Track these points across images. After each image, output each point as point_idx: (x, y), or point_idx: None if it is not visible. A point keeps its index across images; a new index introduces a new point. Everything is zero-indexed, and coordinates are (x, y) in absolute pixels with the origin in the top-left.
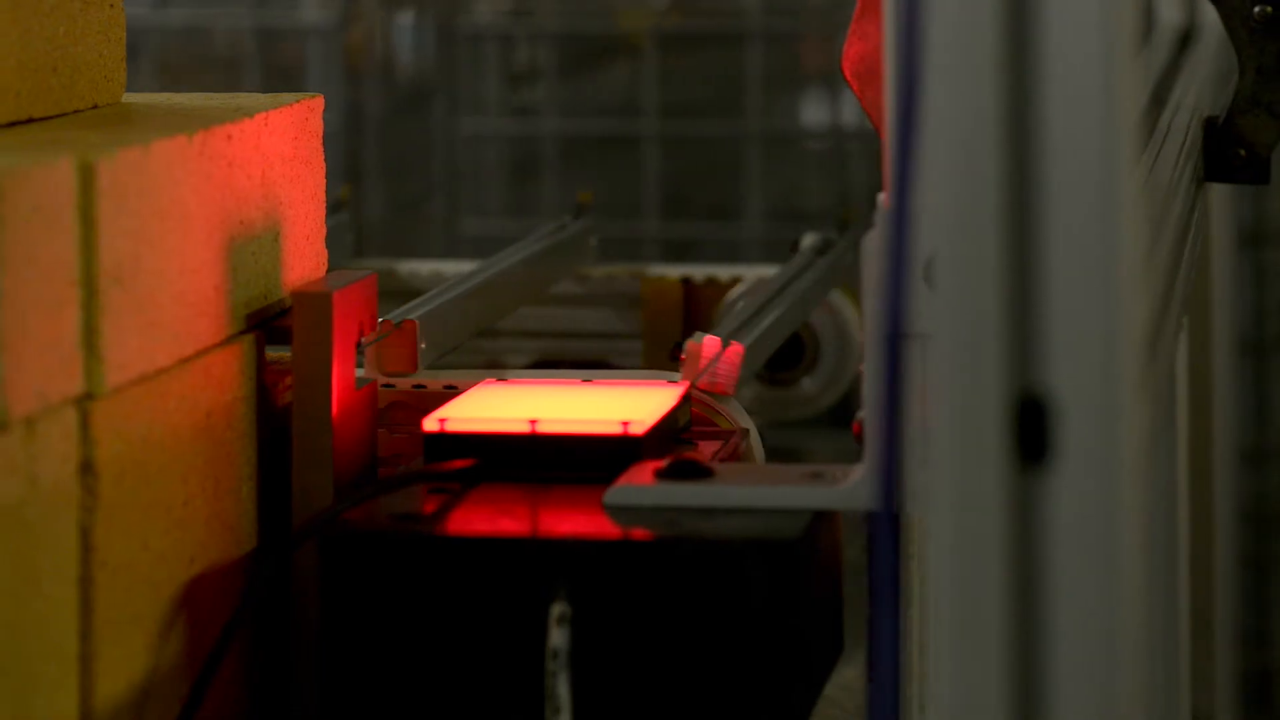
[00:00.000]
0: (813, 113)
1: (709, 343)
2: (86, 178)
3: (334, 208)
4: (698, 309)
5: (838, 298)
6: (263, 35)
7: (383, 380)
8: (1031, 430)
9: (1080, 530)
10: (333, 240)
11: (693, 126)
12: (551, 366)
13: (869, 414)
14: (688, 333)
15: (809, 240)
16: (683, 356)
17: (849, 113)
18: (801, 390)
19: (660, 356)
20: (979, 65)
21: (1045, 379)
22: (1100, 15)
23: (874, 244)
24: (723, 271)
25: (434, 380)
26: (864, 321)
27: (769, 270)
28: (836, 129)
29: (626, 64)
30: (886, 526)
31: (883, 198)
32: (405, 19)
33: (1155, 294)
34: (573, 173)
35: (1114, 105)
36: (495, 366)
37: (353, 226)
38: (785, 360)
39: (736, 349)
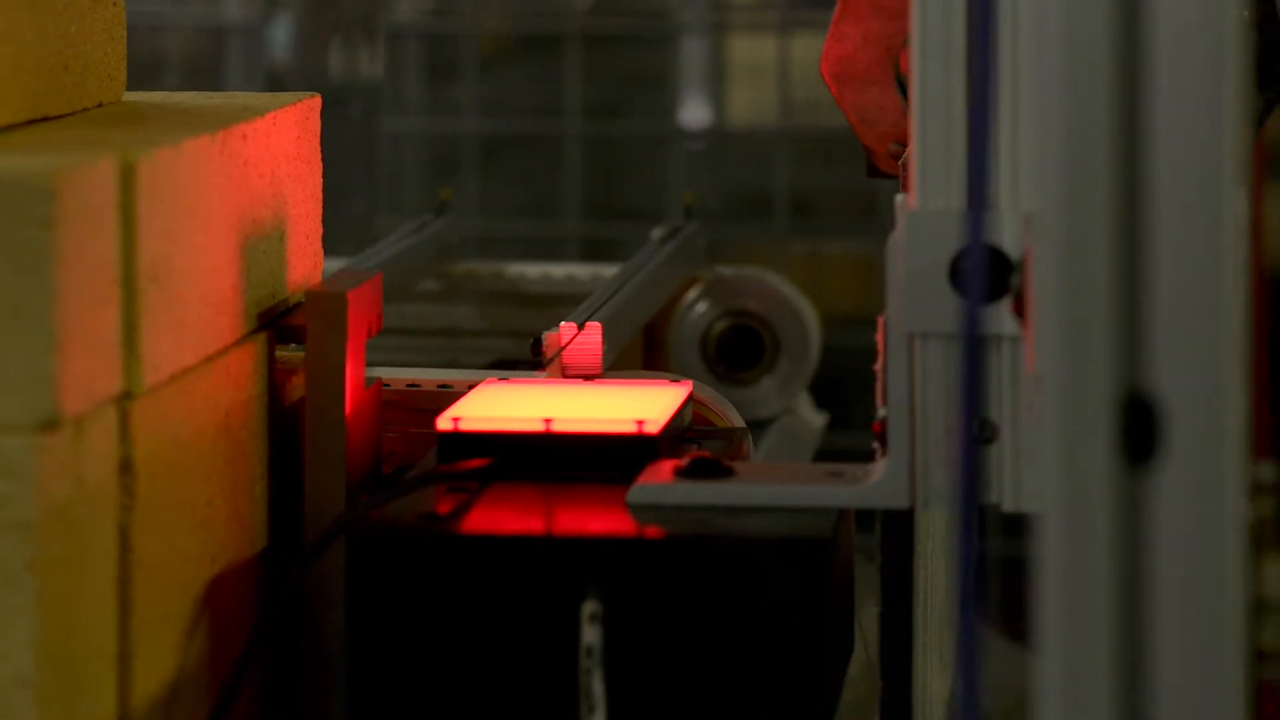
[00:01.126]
0: (690, 112)
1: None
2: (128, 176)
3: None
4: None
5: (797, 296)
6: (184, 33)
7: (385, 381)
8: (1139, 430)
9: (1187, 529)
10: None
11: (613, 126)
12: (511, 366)
13: (893, 412)
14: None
15: None
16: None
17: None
18: (760, 390)
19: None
20: (1091, 65)
21: (1153, 379)
22: (1211, 12)
23: (897, 244)
24: None
25: (429, 379)
26: (886, 320)
27: (726, 271)
28: (718, 130)
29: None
30: (965, 524)
31: (901, 199)
32: (281, 18)
33: None
34: (492, 172)
35: (1226, 103)
36: (454, 366)
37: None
38: (744, 359)
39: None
